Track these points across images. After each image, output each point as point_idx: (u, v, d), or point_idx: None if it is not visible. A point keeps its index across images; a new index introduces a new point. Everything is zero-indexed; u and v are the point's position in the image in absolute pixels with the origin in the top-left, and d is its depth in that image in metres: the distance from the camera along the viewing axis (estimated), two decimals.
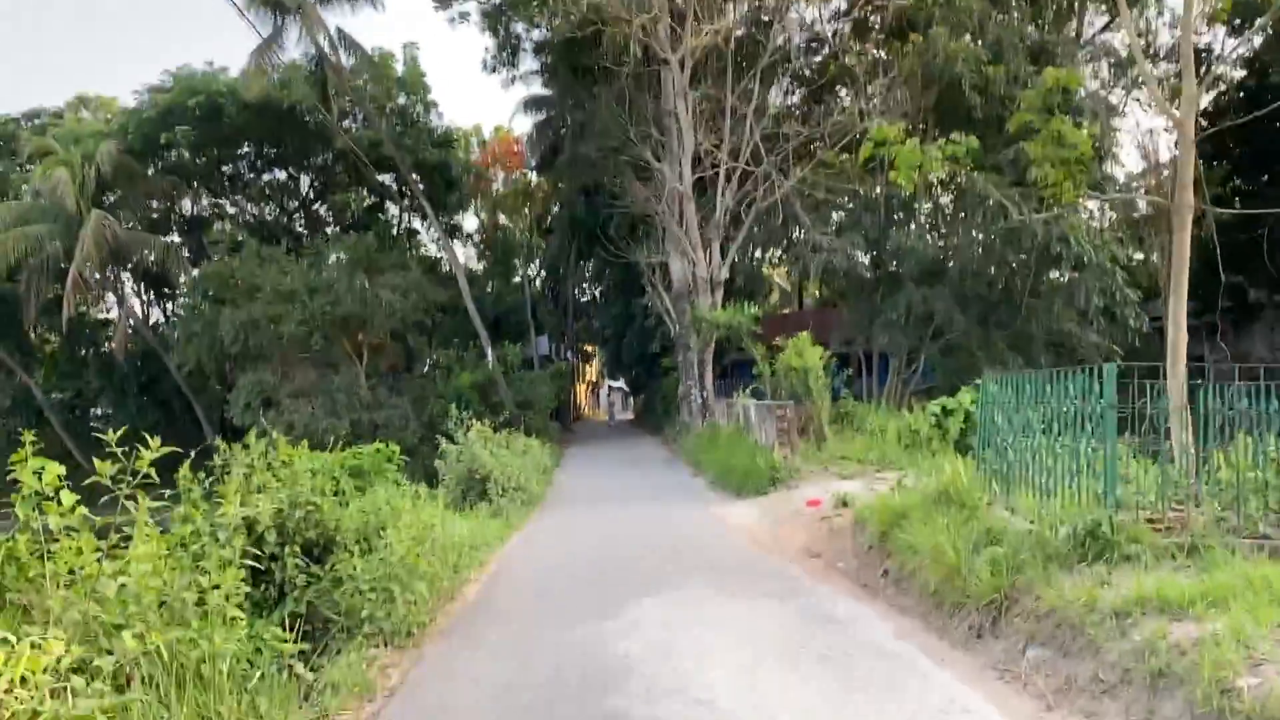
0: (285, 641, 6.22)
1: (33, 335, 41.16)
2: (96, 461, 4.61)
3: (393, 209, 47.64)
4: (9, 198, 38.70)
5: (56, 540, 4.51)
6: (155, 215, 41.76)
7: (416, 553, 8.83)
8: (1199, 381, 7.24)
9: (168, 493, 6.07)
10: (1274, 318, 31.87)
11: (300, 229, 45.15)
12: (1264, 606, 5.04)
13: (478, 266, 54.43)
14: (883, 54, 28.58)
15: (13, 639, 3.78)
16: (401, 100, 41.22)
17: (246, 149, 41.00)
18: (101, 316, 43.42)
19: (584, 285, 55.23)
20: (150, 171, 38.30)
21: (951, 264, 25.65)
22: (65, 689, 3.73)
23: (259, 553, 7.09)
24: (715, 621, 7.79)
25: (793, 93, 32.19)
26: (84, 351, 42.86)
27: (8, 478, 4.69)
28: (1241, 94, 29.18)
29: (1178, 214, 10.86)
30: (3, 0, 75.35)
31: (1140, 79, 24.57)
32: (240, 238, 40.20)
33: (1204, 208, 14.17)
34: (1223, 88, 30.04)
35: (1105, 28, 28.90)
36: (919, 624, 7.46)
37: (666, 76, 28.05)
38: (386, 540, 8.52)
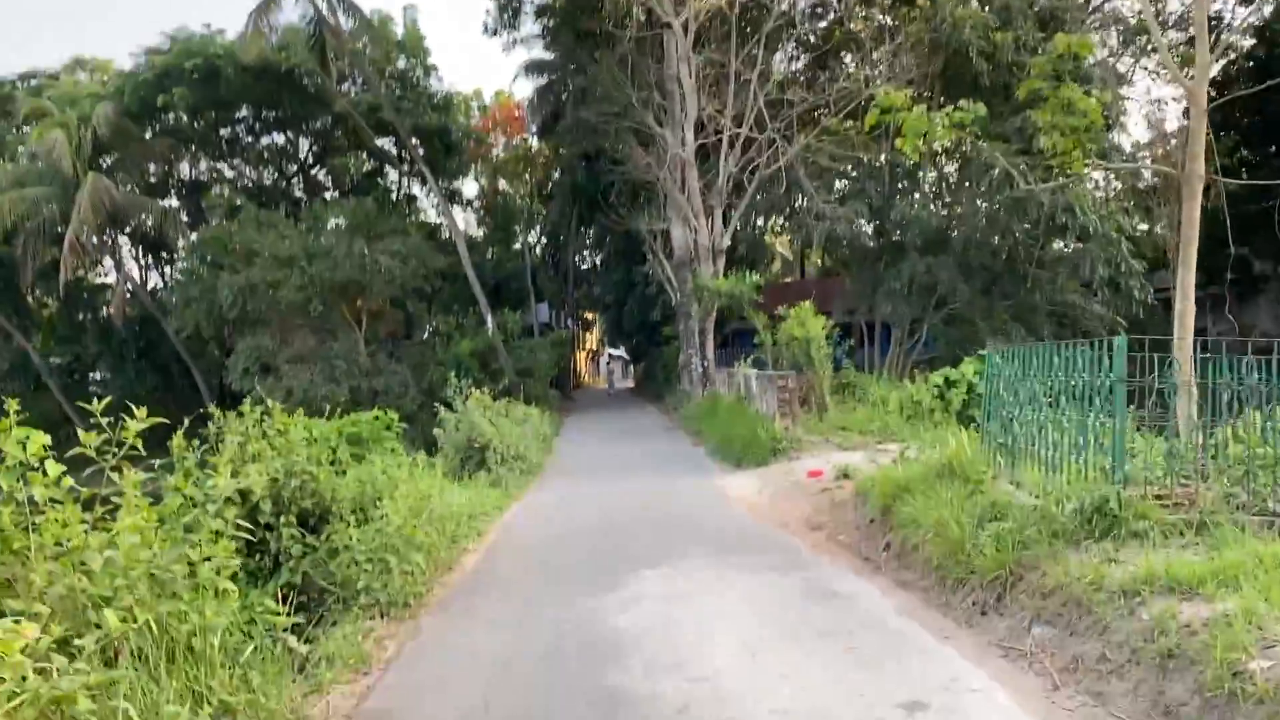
0: (278, 614, 6.12)
1: (30, 299, 41.02)
2: (80, 432, 4.49)
3: (392, 174, 47.30)
4: (5, 160, 38.48)
5: (42, 512, 4.40)
6: (153, 179, 41.45)
7: (413, 524, 8.75)
8: (1208, 355, 7.11)
9: (157, 463, 5.97)
10: (1278, 290, 31.71)
11: (299, 193, 44.81)
12: (1276, 586, 4.92)
13: (478, 233, 54.12)
14: (889, 19, 28.30)
15: None
16: (401, 64, 40.82)
17: (245, 112, 40.55)
18: (99, 281, 43.23)
19: (585, 252, 55.03)
20: (147, 134, 37.92)
21: (955, 233, 25.51)
22: (47, 668, 3.64)
23: (255, 523, 7.02)
24: (716, 595, 7.71)
25: (797, 58, 31.89)
26: (82, 316, 42.67)
27: None
28: (1251, 63, 28.86)
29: (1188, 184, 10.71)
30: None
31: (1151, 47, 24.30)
32: (238, 202, 39.94)
33: (1214, 178, 13.98)
34: (1232, 57, 29.70)
35: None
36: (921, 599, 7.38)
37: (669, 40, 27.70)
38: (383, 510, 8.43)
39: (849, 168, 28.85)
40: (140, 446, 4.88)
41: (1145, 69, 28.31)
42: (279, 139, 43.78)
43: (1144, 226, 28.13)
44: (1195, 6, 12.24)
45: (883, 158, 26.85)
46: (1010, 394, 8.77)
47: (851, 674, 5.64)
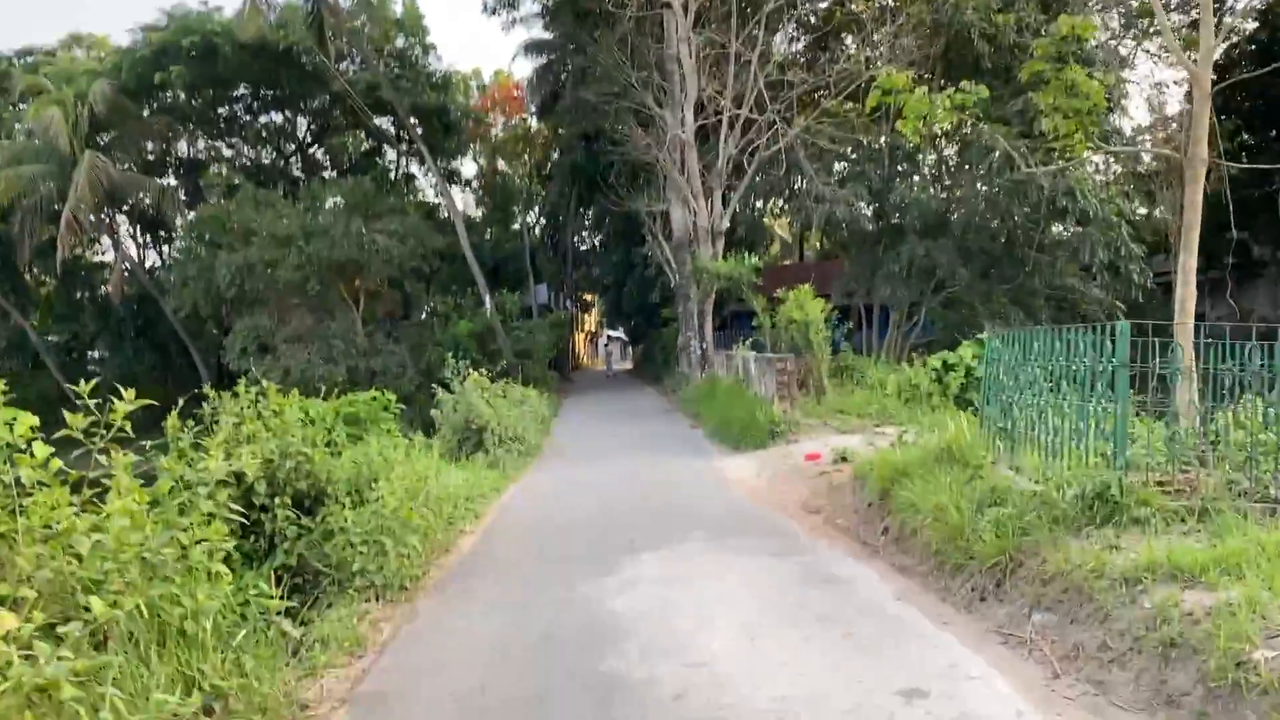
0: (271, 597, 6.07)
1: (28, 277, 40.91)
2: (66, 414, 4.41)
3: (390, 153, 47.12)
4: (2, 137, 38.22)
5: (30, 494, 4.33)
6: (151, 157, 41.21)
7: (409, 505, 8.70)
8: (1211, 340, 7.04)
9: (148, 444, 5.90)
10: (1277, 275, 31.65)
11: (297, 173, 44.66)
12: (1279, 575, 4.89)
13: (476, 213, 53.89)
14: (890, 0, 28.05)
15: None
16: (399, 42, 40.51)
17: (243, 91, 40.37)
18: (97, 259, 43.11)
19: (584, 233, 54.76)
20: (145, 112, 37.74)
21: (955, 217, 25.38)
22: (33, 654, 3.58)
23: (250, 504, 6.98)
24: (713, 579, 7.67)
25: (798, 39, 31.65)
26: (80, 294, 42.62)
27: None
28: (1253, 47, 28.70)
29: (1190, 167, 10.60)
30: None
31: (1154, 29, 24.13)
32: (237, 181, 39.77)
33: (1217, 161, 13.87)
34: (1233, 40, 29.51)
35: None
36: (920, 584, 7.33)
37: (669, 20, 27.48)
38: (378, 492, 8.37)
39: (849, 150, 28.69)
40: (129, 429, 4.81)
41: (1147, 51, 28.11)
42: (277, 118, 43.61)
43: (1143, 211, 28.02)
44: None
45: (882, 140, 26.70)
46: (1010, 378, 8.71)
47: (850, 660, 5.60)
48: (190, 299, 32.75)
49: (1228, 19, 23.04)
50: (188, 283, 32.69)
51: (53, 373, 36.76)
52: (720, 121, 27.77)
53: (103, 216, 36.94)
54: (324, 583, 7.42)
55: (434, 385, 18.56)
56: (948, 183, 28.15)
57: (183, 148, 43.65)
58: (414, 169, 47.81)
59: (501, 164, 54.37)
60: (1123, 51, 27.29)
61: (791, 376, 17.92)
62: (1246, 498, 6.37)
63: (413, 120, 37.98)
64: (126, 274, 38.24)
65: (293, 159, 45.56)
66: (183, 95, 38.07)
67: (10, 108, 39.71)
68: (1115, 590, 5.40)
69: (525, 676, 5.78)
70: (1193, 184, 10.50)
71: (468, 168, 52.63)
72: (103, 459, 4.80)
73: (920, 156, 27.51)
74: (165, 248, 43.45)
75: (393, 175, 46.13)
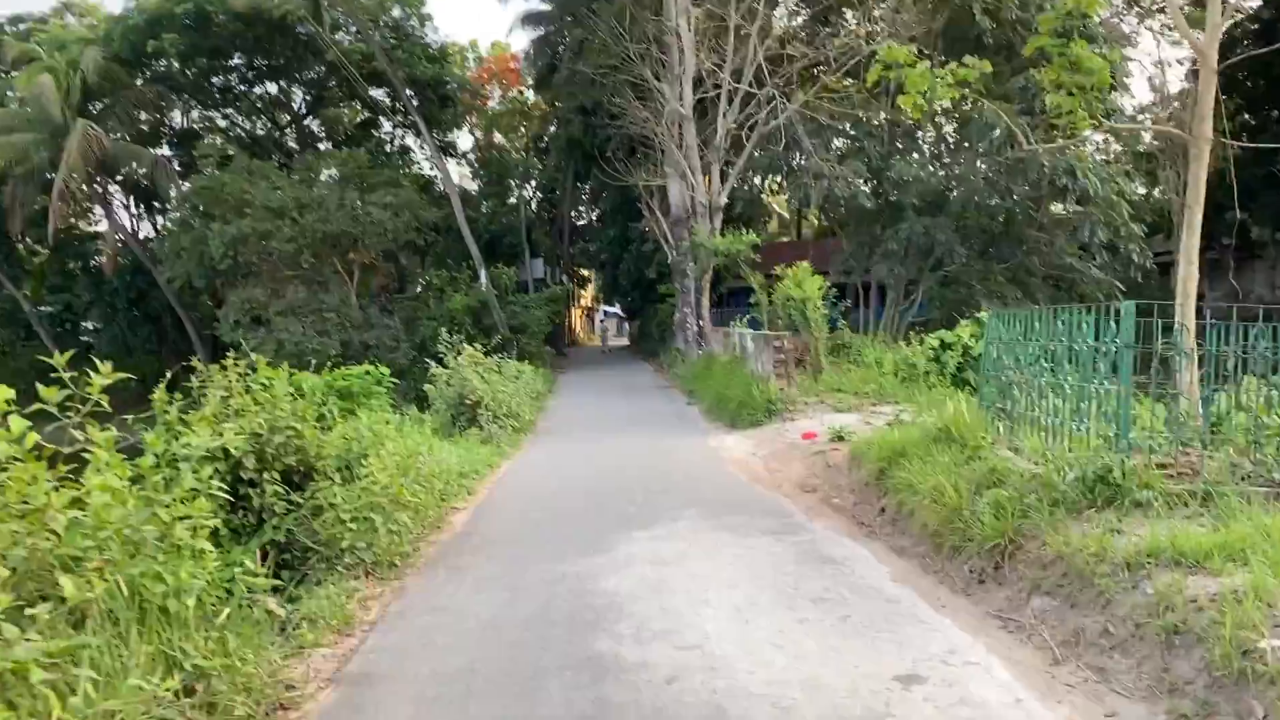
0: (257, 575, 5.95)
1: (20, 247, 40.64)
2: (40, 387, 4.26)
3: (386, 125, 46.69)
4: None
5: (4, 469, 4.19)
6: (144, 127, 40.88)
7: (400, 481, 8.59)
8: (1216, 321, 6.93)
9: (130, 418, 5.76)
10: (1276, 256, 31.55)
11: (292, 144, 44.31)
12: None
13: (472, 186, 53.46)
14: None
15: None
16: (395, 12, 40.04)
17: (237, 60, 39.96)
18: (90, 229, 42.77)
19: (580, 208, 54.37)
20: (138, 81, 37.39)
21: (954, 195, 25.23)
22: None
23: (238, 479, 6.86)
24: (708, 559, 7.58)
25: (798, 13, 31.41)
26: (73, 265, 42.39)
27: None
28: (1256, 25, 28.46)
29: (1195, 146, 10.46)
30: None
31: (1158, 5, 23.92)
32: (231, 152, 39.42)
33: (1222, 140, 13.72)
34: (1236, 19, 29.25)
35: None
36: (917, 566, 7.25)
37: None
38: (369, 468, 8.26)
39: (848, 126, 28.47)
40: (115, 403, 4.67)
41: (1150, 29, 27.89)
42: (272, 88, 43.21)
43: (1142, 191, 27.87)
44: None
45: (882, 116, 26.51)
46: (1010, 358, 8.60)
47: (846, 643, 5.50)
48: (183, 271, 32.57)
49: None
50: (181, 254, 32.49)
51: (46, 343, 36.56)
52: (719, 96, 27.51)
53: (95, 186, 36.70)
54: (313, 559, 7.32)
55: (428, 360, 18.45)
56: (947, 160, 27.99)
57: (177, 118, 43.37)
58: (410, 142, 47.45)
59: (498, 137, 53.90)
60: (1125, 29, 27.08)
61: (789, 354, 17.81)
62: (1250, 481, 6.27)
63: (409, 92, 37.64)
64: (120, 244, 37.99)
65: (287, 130, 45.18)
66: (176, 64, 37.63)
67: (2, 75, 39.30)
68: (1117, 575, 5.31)
69: (516, 657, 5.67)
70: (1197, 162, 10.35)
71: (464, 141, 52.30)
72: (78, 434, 4.67)
73: (920, 134, 27.32)
74: (159, 218, 43.09)
75: (388, 148, 45.80)
